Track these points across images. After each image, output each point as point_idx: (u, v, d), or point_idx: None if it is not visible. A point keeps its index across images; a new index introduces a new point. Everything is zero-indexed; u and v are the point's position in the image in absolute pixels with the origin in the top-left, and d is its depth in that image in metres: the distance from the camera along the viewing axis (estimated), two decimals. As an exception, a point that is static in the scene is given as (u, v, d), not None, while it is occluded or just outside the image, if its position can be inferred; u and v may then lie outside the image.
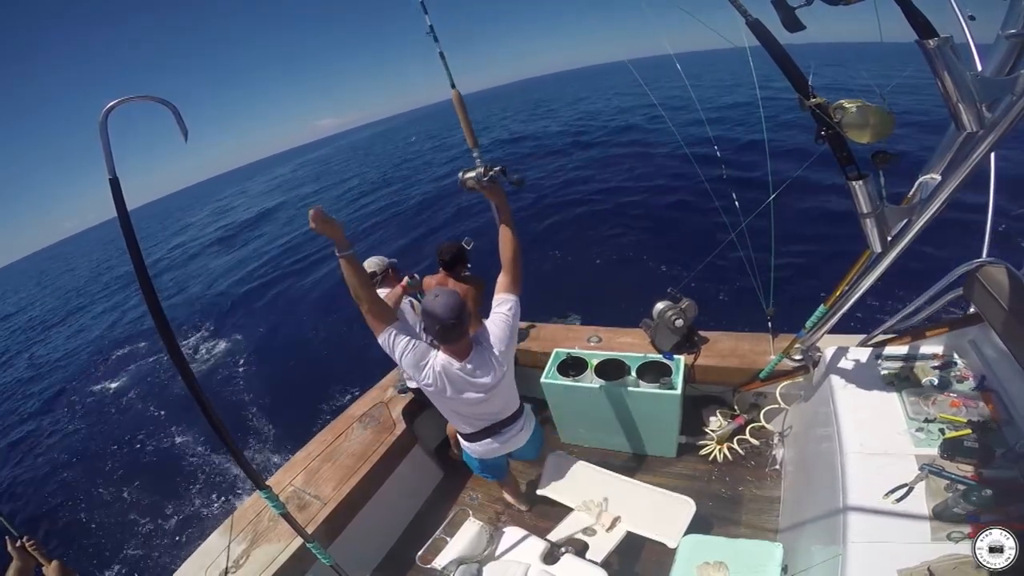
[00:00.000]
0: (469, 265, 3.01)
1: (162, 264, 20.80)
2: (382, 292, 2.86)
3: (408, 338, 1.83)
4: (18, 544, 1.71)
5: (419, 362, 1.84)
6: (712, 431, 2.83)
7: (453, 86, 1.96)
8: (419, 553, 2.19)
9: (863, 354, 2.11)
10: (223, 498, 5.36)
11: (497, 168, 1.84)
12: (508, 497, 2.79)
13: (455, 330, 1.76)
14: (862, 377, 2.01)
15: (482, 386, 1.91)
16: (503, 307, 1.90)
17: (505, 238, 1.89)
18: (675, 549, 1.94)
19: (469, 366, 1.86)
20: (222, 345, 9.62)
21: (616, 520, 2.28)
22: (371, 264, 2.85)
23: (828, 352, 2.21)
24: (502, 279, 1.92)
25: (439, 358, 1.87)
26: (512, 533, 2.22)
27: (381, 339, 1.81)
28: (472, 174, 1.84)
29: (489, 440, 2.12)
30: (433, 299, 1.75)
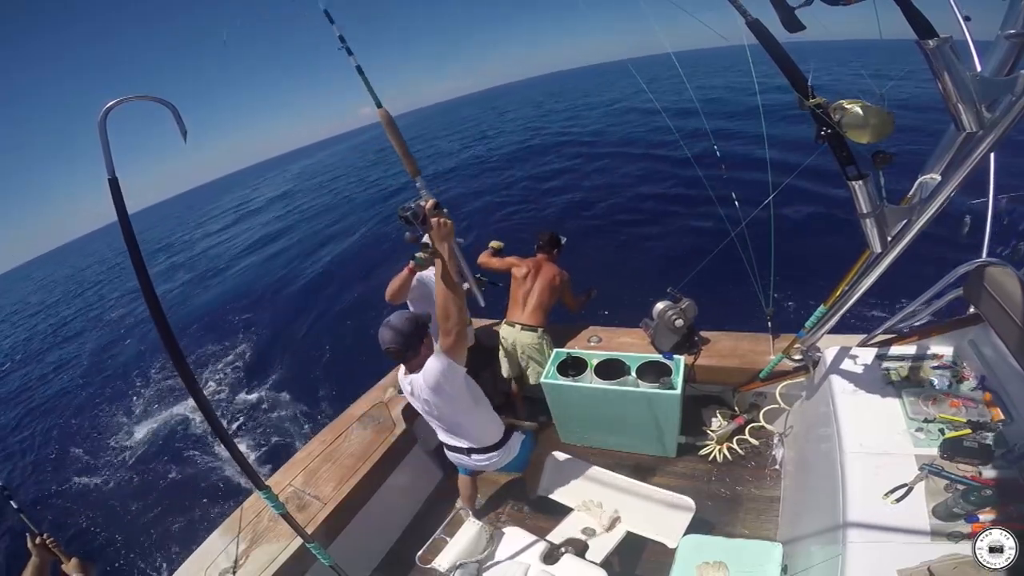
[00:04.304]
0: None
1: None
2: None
3: None
4: (37, 541, 1.73)
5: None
6: (712, 431, 2.83)
7: (379, 105, 1.72)
8: (419, 553, 2.19)
9: (863, 354, 2.11)
10: (223, 498, 5.35)
11: (414, 205, 1.52)
12: (461, 485, 2.64)
13: (397, 355, 1.94)
14: (862, 377, 2.01)
15: (421, 406, 2.08)
16: (432, 359, 1.86)
17: (436, 288, 1.72)
18: (675, 549, 1.94)
19: (410, 380, 2.01)
20: (221, 337, 9.62)
21: (616, 520, 2.28)
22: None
23: (828, 352, 2.21)
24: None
25: (401, 368, 2.08)
26: (512, 533, 2.22)
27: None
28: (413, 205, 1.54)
29: (458, 456, 2.27)
30: (387, 321, 1.92)
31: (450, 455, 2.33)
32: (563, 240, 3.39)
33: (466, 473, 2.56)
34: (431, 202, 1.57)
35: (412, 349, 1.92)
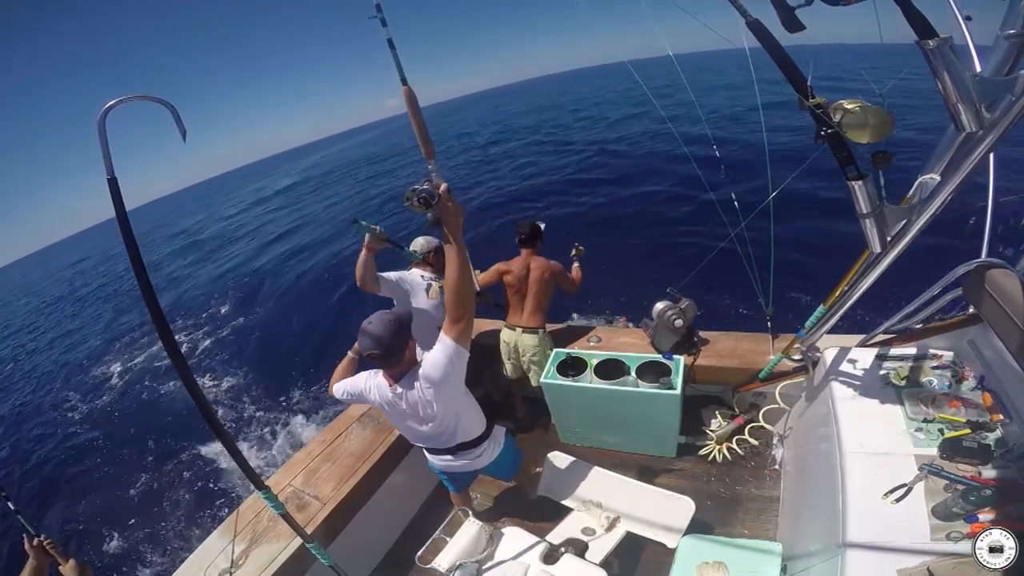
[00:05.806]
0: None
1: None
2: (417, 271, 2.88)
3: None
4: (35, 542, 1.72)
5: (357, 389, 2.00)
6: (712, 431, 2.83)
7: (404, 83, 1.63)
8: (419, 553, 2.19)
9: (863, 354, 2.11)
10: (222, 498, 5.35)
11: (423, 186, 1.47)
12: (455, 502, 2.53)
13: (380, 360, 1.80)
14: (862, 377, 2.01)
15: (412, 415, 1.92)
16: (436, 347, 1.75)
17: (448, 273, 1.63)
18: (674, 549, 1.94)
19: (399, 390, 1.85)
20: (221, 338, 9.62)
21: (615, 520, 2.28)
22: (417, 244, 2.95)
23: (828, 352, 2.22)
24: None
25: (377, 377, 1.93)
26: (512, 533, 2.22)
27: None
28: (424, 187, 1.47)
29: (446, 457, 2.13)
30: (367, 324, 1.76)
31: (437, 461, 2.18)
32: (543, 227, 3.25)
33: (456, 490, 2.46)
34: (444, 186, 1.50)
35: (396, 353, 1.78)
